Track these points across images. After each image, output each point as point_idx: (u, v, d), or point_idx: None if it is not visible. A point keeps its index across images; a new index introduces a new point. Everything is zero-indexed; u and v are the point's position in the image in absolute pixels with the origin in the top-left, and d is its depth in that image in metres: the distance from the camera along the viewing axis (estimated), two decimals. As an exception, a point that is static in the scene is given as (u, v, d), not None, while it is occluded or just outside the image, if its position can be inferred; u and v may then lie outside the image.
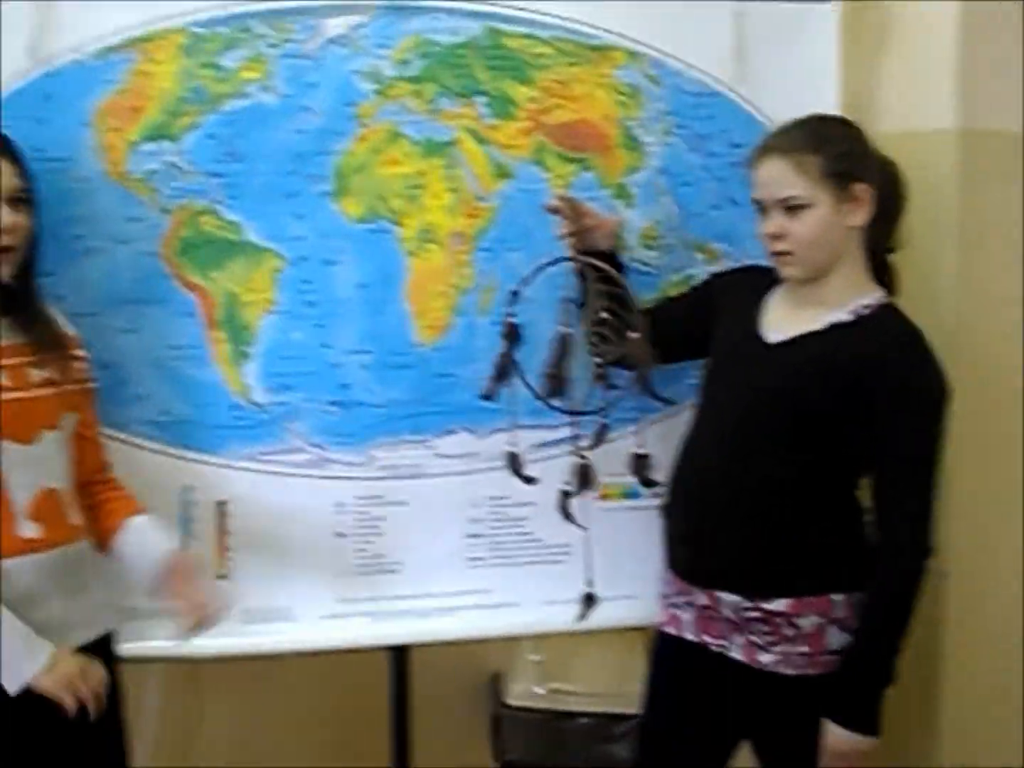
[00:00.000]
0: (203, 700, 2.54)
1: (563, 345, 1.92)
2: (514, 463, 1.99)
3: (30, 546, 1.76)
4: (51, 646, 1.74)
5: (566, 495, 1.97)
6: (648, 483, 1.97)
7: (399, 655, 2.17)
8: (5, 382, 1.76)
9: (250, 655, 2.07)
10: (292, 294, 2.02)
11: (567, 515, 1.98)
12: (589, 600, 2.03)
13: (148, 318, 1.99)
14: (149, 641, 1.98)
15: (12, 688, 1.71)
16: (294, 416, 2.04)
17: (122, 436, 1.98)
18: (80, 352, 1.89)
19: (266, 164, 2.00)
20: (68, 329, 1.88)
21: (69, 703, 1.72)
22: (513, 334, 1.92)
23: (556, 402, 1.93)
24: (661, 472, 1.99)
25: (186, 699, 2.52)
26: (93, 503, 1.90)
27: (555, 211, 2.00)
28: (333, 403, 2.05)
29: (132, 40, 1.95)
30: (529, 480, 1.99)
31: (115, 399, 1.97)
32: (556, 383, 1.91)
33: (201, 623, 1.83)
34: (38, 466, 1.79)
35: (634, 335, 1.88)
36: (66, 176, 1.93)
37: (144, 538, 1.88)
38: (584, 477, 1.96)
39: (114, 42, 1.94)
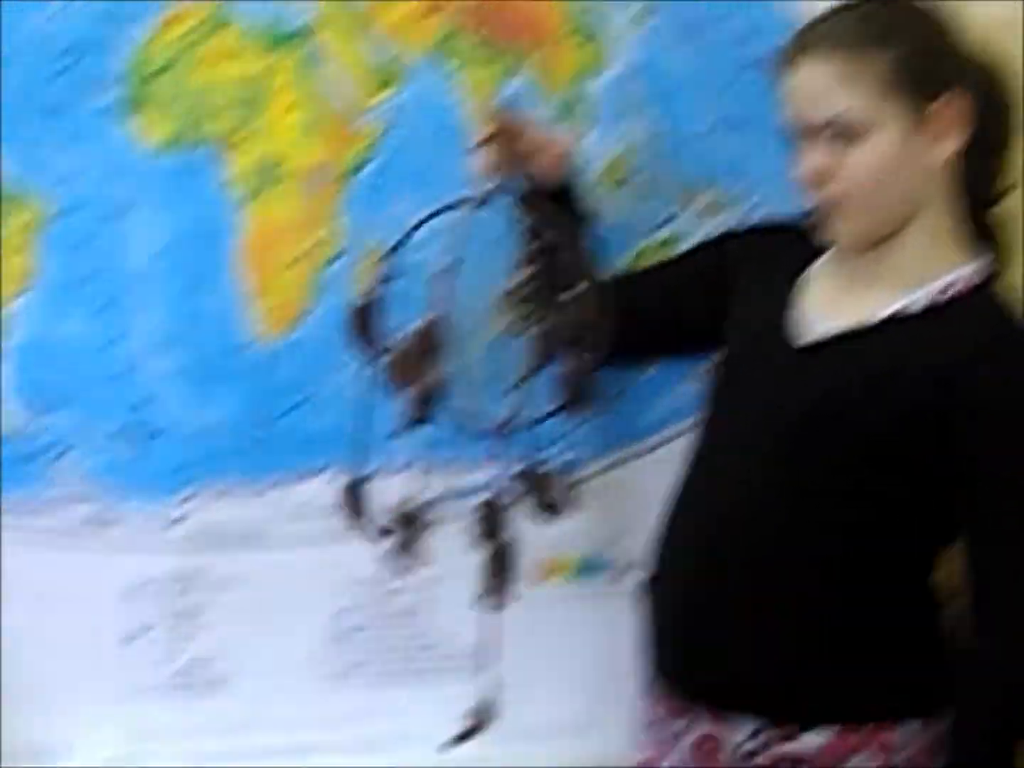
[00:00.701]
0: None
1: (363, 320, 1.74)
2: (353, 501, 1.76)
3: None
4: None
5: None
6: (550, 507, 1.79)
7: (230, 816, 1.90)
8: None
9: (3, 815, 1.86)
10: (60, 262, 1.83)
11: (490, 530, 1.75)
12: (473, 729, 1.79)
13: None
14: None
15: None
16: (63, 449, 1.85)
17: None
18: None
19: (17, 64, 1.80)
20: None
21: None
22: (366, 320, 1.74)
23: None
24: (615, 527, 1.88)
25: None
26: None
27: (489, 139, 1.76)
28: (124, 430, 1.85)
29: None
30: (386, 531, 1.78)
31: None
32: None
33: None
34: None
35: (572, 294, 1.70)
36: None
37: None
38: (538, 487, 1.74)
39: None
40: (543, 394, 1.81)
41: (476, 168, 1.80)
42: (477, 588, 1.81)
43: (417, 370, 1.75)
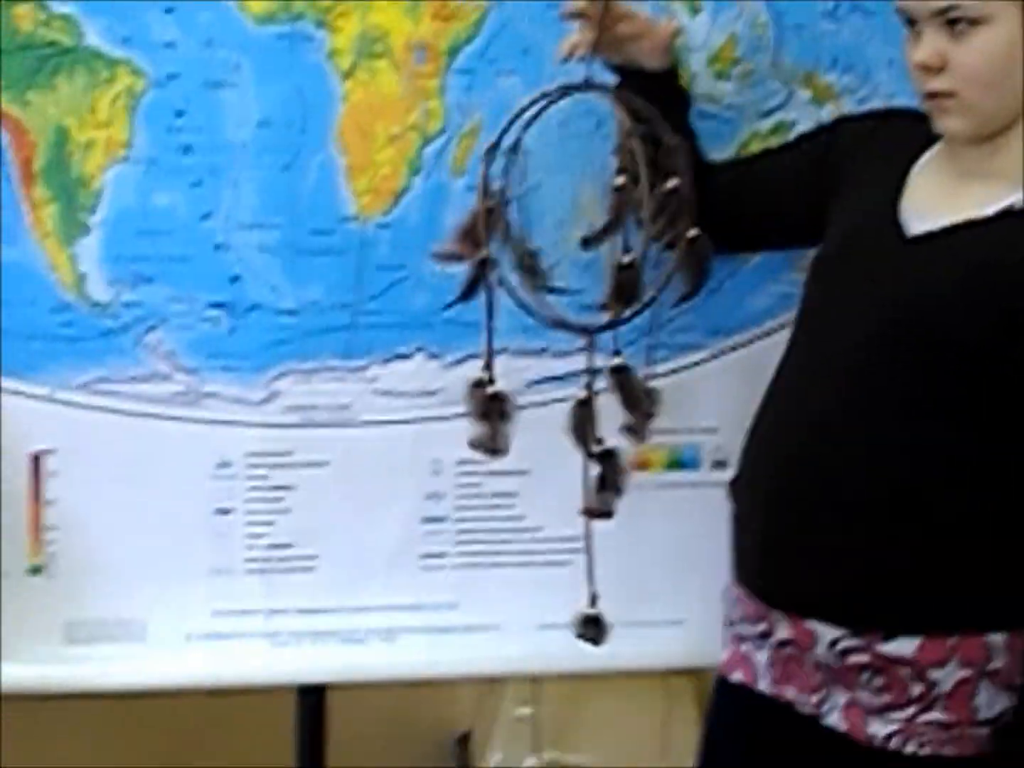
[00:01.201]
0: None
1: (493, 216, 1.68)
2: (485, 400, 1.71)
3: None
4: None
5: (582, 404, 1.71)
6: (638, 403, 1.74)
7: (312, 700, 2.01)
8: None
9: (75, 692, 1.90)
10: (156, 133, 1.82)
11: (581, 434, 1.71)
12: (592, 626, 1.77)
13: (-76, 165, 1.85)
14: None
15: None
16: (155, 324, 1.85)
17: None
18: None
19: (118, -71, 1.81)
20: None
21: None
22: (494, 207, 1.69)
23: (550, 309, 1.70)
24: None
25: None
26: None
27: (578, 18, 1.74)
28: (216, 306, 1.86)
29: None
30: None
31: None
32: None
33: None
34: None
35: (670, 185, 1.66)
36: None
37: None
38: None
39: None
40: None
41: (569, 45, 1.76)
42: (583, 497, 1.75)
43: (469, 247, 1.71)
